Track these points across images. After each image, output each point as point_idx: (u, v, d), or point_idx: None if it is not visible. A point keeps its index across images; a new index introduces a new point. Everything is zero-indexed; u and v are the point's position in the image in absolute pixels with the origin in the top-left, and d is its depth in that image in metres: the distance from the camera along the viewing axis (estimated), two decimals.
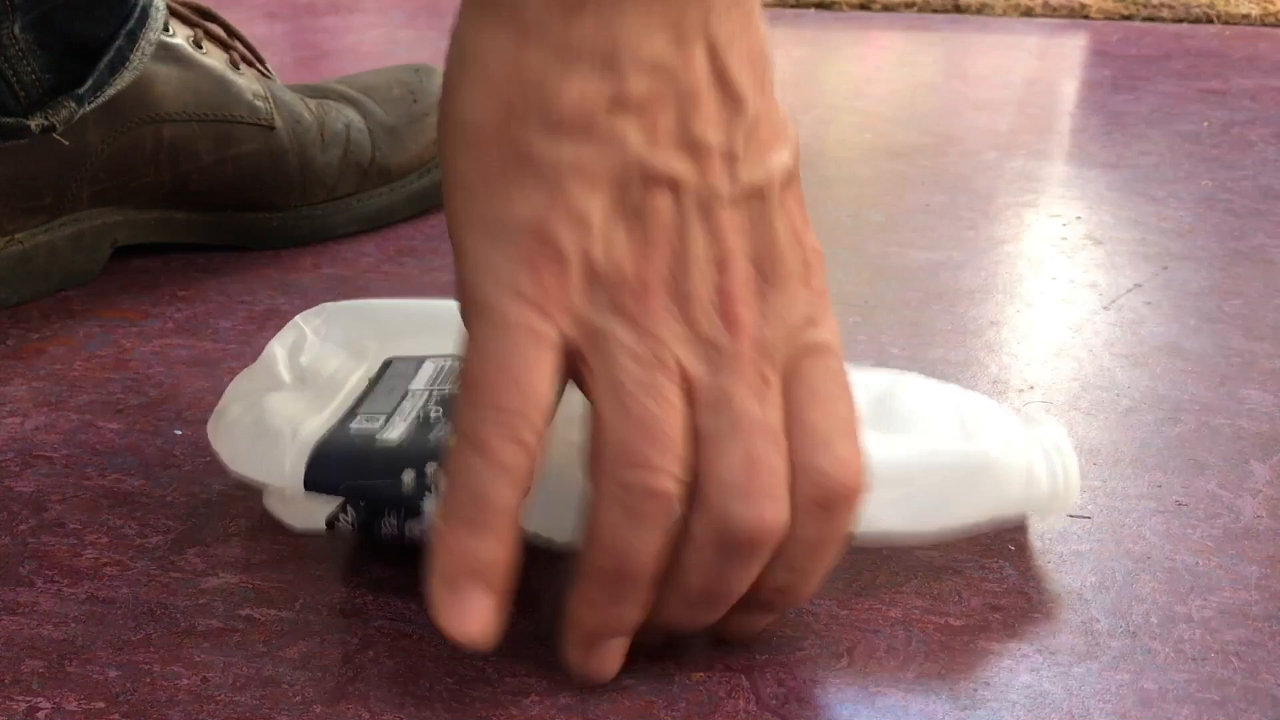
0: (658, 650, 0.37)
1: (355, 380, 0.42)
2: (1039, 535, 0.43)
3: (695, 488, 0.32)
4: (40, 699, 0.35)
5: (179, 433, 0.50)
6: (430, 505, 0.37)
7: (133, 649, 0.37)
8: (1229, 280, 0.66)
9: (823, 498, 0.32)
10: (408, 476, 0.38)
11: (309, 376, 0.43)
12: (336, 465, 0.38)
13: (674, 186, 0.32)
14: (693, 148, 0.32)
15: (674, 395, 0.31)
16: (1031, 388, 0.54)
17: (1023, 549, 0.42)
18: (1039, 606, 0.39)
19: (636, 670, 0.36)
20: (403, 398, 0.41)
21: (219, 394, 0.44)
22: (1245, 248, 0.71)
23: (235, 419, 0.42)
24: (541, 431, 0.31)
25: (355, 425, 0.40)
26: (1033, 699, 0.35)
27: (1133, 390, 0.53)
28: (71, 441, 0.49)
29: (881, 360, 0.56)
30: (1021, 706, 0.35)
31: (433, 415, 0.39)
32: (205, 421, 0.50)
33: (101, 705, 0.35)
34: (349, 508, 0.38)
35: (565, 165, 0.31)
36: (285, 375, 0.43)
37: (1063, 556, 0.42)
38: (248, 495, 0.45)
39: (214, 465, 0.47)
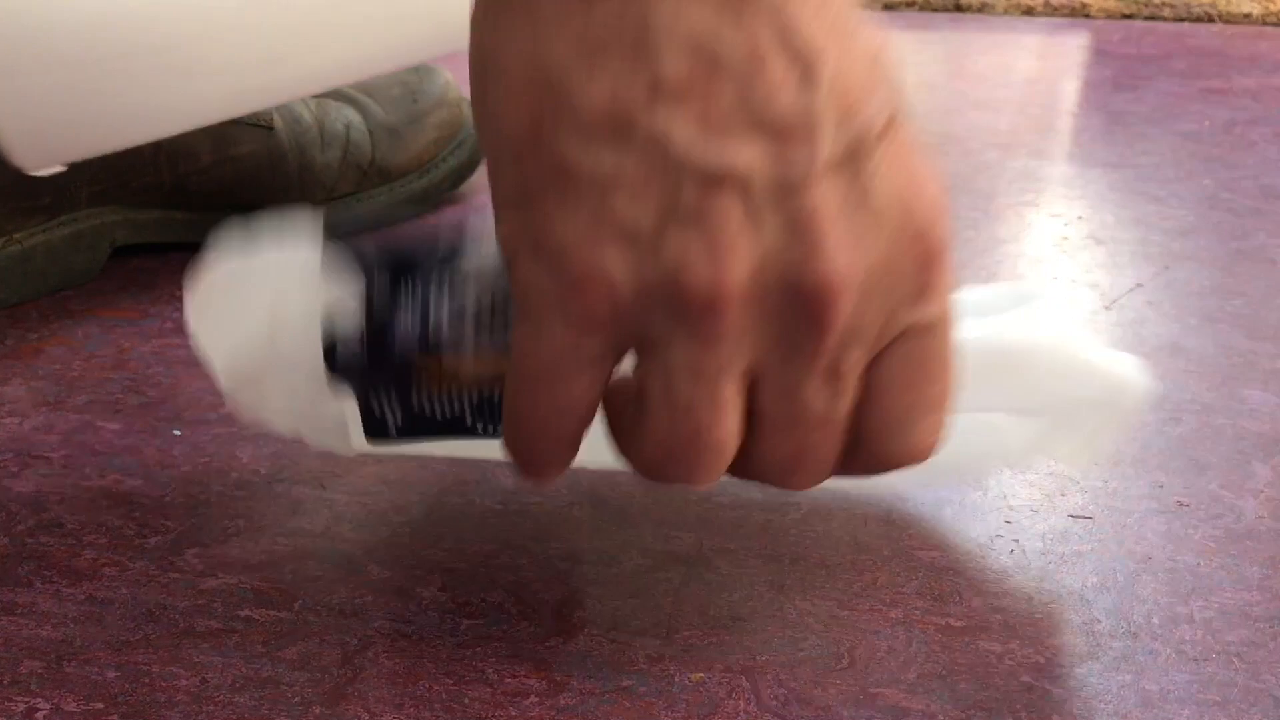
0: (657, 651, 0.37)
1: None
2: (1039, 535, 0.43)
3: (742, 455, 0.31)
4: (39, 699, 0.35)
5: (178, 433, 0.50)
6: (470, 265, 0.33)
7: (131, 649, 0.37)
8: (1230, 280, 0.66)
9: (889, 468, 0.32)
10: (446, 230, 0.34)
11: None
12: (359, 219, 0.36)
13: (738, 179, 0.27)
14: (760, 125, 0.26)
15: (731, 399, 0.29)
16: None
17: (1023, 549, 0.42)
18: (1039, 607, 0.39)
19: (636, 670, 0.36)
20: None
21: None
22: (1247, 247, 0.70)
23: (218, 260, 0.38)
24: (580, 432, 0.31)
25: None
26: (1033, 699, 0.35)
27: None
28: (70, 442, 0.49)
29: None
30: (1022, 707, 0.35)
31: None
32: (204, 422, 0.50)
33: (100, 706, 0.35)
34: (360, 297, 0.33)
35: (605, 176, 0.27)
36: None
37: (1063, 557, 0.41)
38: (248, 495, 0.45)
39: (213, 465, 0.47)
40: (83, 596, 0.39)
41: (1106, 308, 0.62)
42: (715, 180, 0.27)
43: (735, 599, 0.39)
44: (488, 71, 0.28)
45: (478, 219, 0.34)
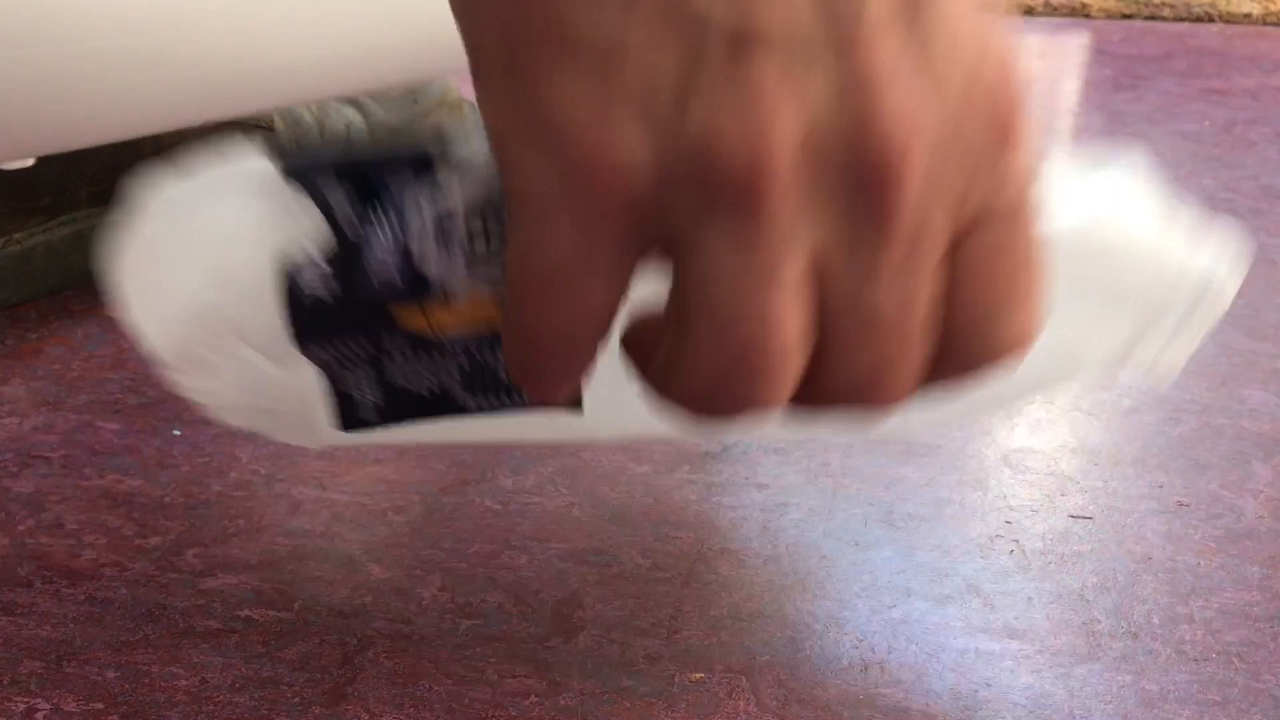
0: (657, 651, 0.37)
1: None
2: (1039, 535, 0.43)
3: (808, 376, 0.25)
4: (39, 700, 0.35)
5: (178, 433, 0.50)
6: (453, 175, 0.28)
7: (131, 650, 0.37)
8: None
9: (980, 371, 0.27)
10: (430, 138, 0.28)
11: None
12: (323, 149, 0.28)
13: (773, 37, 0.22)
14: None
15: (789, 305, 0.24)
16: None
17: (1023, 549, 0.42)
18: (1040, 607, 0.39)
19: (636, 670, 0.36)
20: None
21: None
22: (1247, 247, 0.70)
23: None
24: (596, 345, 0.26)
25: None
26: (1034, 700, 0.35)
27: (1134, 390, 0.53)
28: (70, 442, 0.49)
29: None
30: (1023, 707, 0.35)
31: None
32: (204, 422, 0.50)
33: (100, 706, 0.35)
34: (319, 235, 0.28)
35: (613, 36, 0.22)
36: None
37: (1064, 557, 0.41)
38: (247, 495, 0.45)
39: (213, 465, 0.47)
40: (83, 596, 0.39)
41: None
42: (745, 39, 0.22)
43: (735, 599, 0.39)
44: None
45: (456, 121, 0.29)
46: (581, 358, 0.26)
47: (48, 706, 0.35)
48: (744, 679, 0.36)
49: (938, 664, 0.36)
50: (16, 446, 0.49)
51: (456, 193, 0.27)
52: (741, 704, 0.35)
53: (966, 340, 0.26)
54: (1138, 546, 0.42)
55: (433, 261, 0.28)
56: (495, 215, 0.27)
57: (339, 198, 0.28)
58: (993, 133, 0.24)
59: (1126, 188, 0.33)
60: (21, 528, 0.43)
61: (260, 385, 0.31)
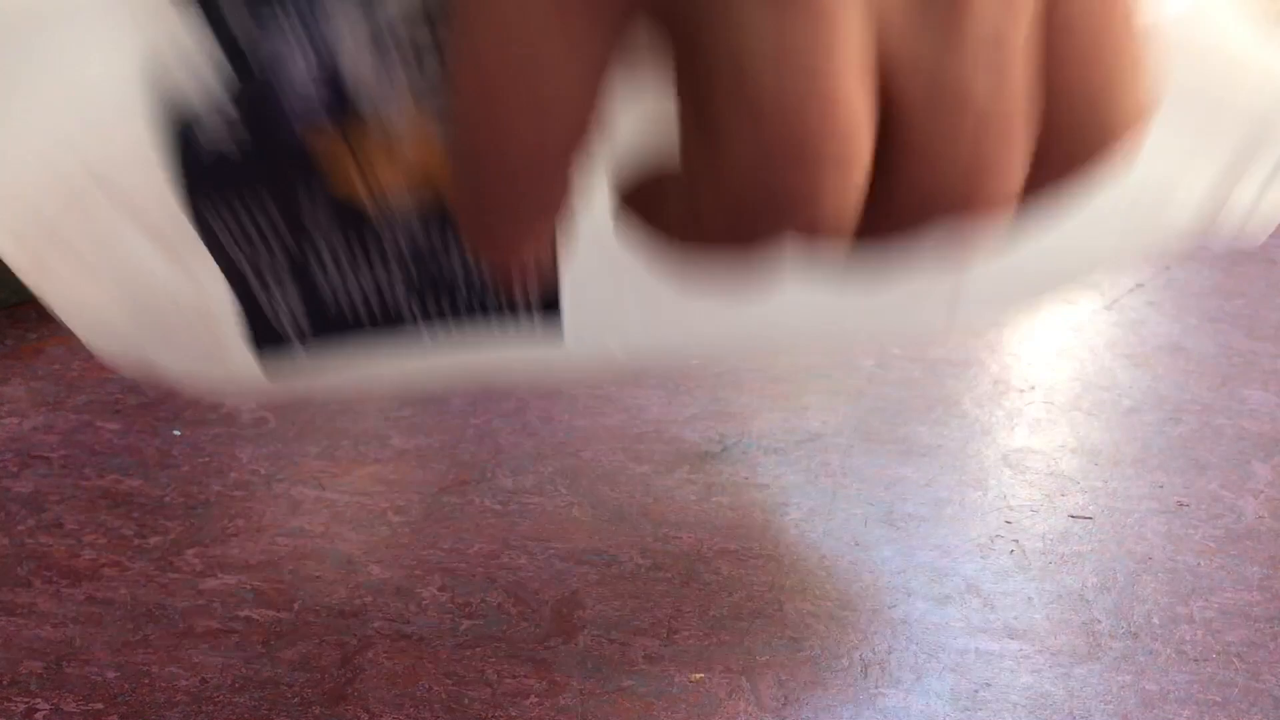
0: (657, 651, 0.37)
1: None
2: (1039, 535, 0.43)
3: (882, 183, 0.20)
4: (39, 700, 0.35)
5: (177, 433, 0.50)
6: None
7: (131, 650, 0.37)
8: (1231, 280, 0.66)
9: (1089, 165, 0.21)
10: None
11: None
12: None
13: None
14: None
15: (854, 82, 0.18)
16: (1033, 388, 0.54)
17: (1023, 549, 0.42)
18: (1040, 607, 0.39)
19: (636, 671, 0.36)
20: None
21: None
22: (1247, 247, 0.70)
23: None
24: (568, 162, 0.19)
25: None
26: (1034, 700, 0.35)
27: (1134, 390, 0.53)
28: (70, 442, 0.49)
29: (883, 360, 0.56)
30: (1023, 707, 0.35)
31: None
32: (204, 422, 0.50)
33: (100, 706, 0.35)
34: (219, 28, 0.20)
35: None
36: None
37: (1064, 557, 0.41)
38: (247, 495, 0.45)
39: (213, 465, 0.47)
40: (82, 597, 0.39)
41: (1107, 308, 0.62)
42: None
43: (735, 599, 0.39)
44: None
45: None
46: (552, 189, 0.19)
47: (48, 706, 0.35)
48: (744, 679, 0.36)
49: (938, 664, 0.36)
50: (16, 446, 0.49)
51: None
52: (741, 704, 0.35)
53: (1076, 118, 0.20)
54: (1138, 546, 0.42)
55: (369, 84, 0.21)
56: (446, 21, 0.21)
57: (238, 8, 0.20)
58: None
59: None
60: (21, 528, 0.43)
61: (148, 291, 0.24)
